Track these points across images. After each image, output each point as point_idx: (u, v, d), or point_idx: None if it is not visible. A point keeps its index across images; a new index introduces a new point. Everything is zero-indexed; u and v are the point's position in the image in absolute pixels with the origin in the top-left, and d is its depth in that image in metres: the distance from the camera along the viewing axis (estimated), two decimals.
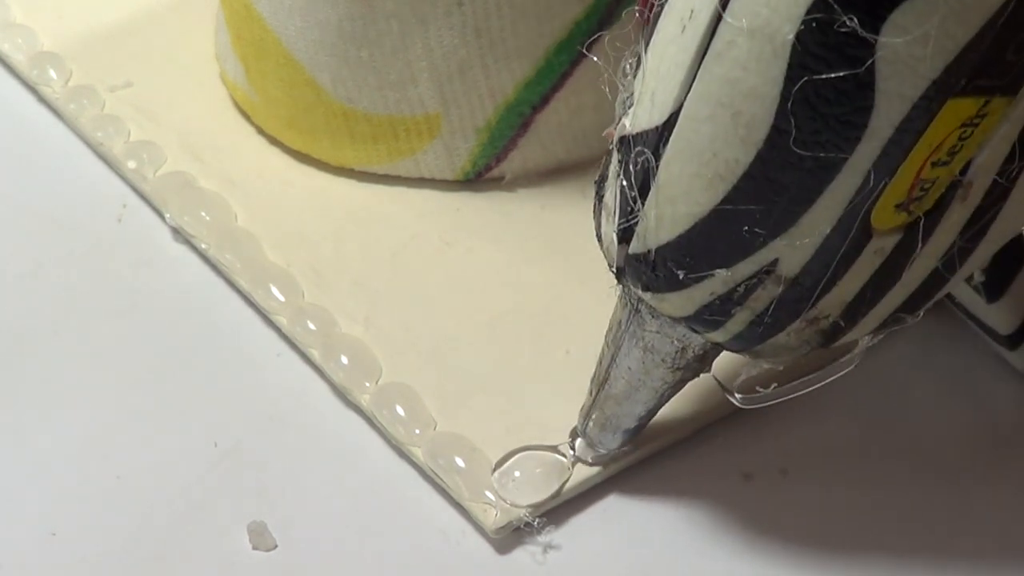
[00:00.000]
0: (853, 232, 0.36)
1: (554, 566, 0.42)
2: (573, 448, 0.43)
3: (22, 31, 0.57)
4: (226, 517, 0.43)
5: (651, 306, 0.39)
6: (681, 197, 0.37)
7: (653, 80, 0.37)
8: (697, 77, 0.36)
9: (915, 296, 0.39)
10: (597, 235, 0.40)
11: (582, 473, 0.43)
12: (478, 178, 0.51)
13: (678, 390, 0.42)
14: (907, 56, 0.34)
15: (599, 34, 0.50)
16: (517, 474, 0.43)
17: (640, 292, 0.39)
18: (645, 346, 0.40)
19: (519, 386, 0.46)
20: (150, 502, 0.43)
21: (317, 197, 0.51)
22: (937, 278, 0.39)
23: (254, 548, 0.42)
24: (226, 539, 0.42)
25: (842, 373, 0.41)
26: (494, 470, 0.43)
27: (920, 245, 0.37)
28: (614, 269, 0.40)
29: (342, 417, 0.45)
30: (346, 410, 0.45)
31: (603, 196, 0.40)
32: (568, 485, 0.43)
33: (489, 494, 0.43)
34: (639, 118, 0.38)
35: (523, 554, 0.42)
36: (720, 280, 0.37)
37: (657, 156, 0.37)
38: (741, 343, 0.39)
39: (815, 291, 0.37)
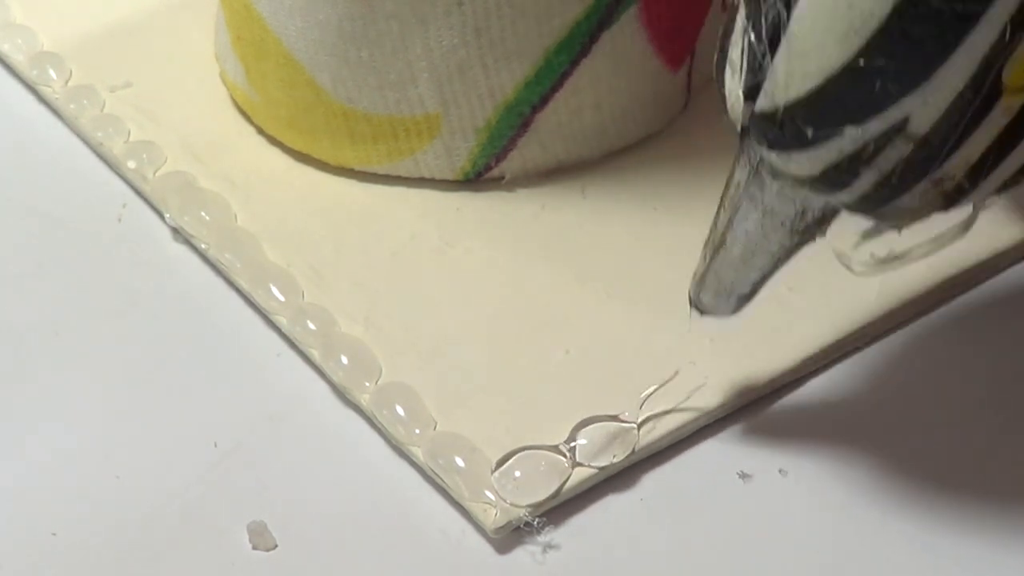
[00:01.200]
0: (985, 89, 0.36)
1: (554, 566, 0.42)
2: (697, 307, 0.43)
3: (22, 31, 0.57)
4: (226, 517, 0.43)
5: (773, 167, 0.39)
6: (813, 52, 0.37)
7: None
8: None
9: None
10: (720, 93, 0.40)
11: (582, 473, 0.43)
12: (478, 178, 0.51)
13: (793, 256, 0.41)
14: None
15: (599, 34, 0.50)
16: (517, 474, 0.43)
17: (765, 151, 0.39)
18: (764, 209, 0.40)
19: (519, 386, 0.46)
20: (150, 502, 0.43)
21: (317, 197, 0.51)
22: None
23: (254, 548, 0.42)
24: (226, 539, 0.42)
25: (956, 240, 0.41)
26: (494, 470, 0.43)
27: None
28: (738, 128, 0.39)
29: (342, 417, 0.45)
30: (346, 410, 0.45)
31: (728, 52, 0.39)
32: (568, 485, 0.43)
33: (489, 494, 0.43)
34: None
35: (523, 554, 0.42)
36: (849, 138, 0.37)
37: (789, 9, 0.37)
38: (866, 204, 0.39)
39: (943, 150, 0.37)
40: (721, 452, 0.44)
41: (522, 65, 0.50)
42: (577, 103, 0.51)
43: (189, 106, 0.54)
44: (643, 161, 0.52)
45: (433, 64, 0.49)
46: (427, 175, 0.51)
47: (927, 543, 0.42)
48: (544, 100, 0.50)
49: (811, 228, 0.40)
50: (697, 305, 0.43)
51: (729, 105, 0.39)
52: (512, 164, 0.51)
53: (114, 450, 0.44)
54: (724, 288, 0.42)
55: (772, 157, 0.39)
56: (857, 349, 0.47)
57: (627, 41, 0.50)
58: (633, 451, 0.44)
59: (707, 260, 0.42)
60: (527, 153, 0.51)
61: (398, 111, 0.50)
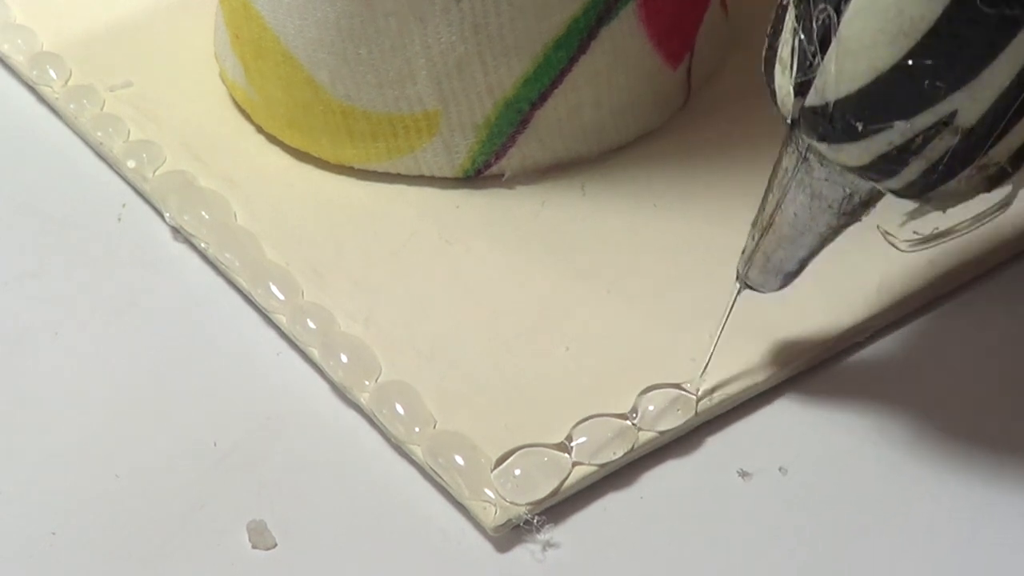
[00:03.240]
0: None
1: (553, 564, 0.42)
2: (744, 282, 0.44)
3: (22, 31, 0.57)
4: (226, 517, 0.43)
5: (822, 155, 0.41)
6: (863, 52, 0.38)
7: None
8: None
9: None
10: (769, 88, 0.41)
11: (581, 471, 0.43)
12: (477, 175, 0.51)
13: (838, 234, 0.43)
14: None
15: (598, 30, 0.50)
16: (517, 472, 0.43)
17: (815, 142, 0.40)
18: (812, 192, 0.42)
19: (519, 384, 0.46)
20: (150, 502, 0.43)
21: (317, 196, 0.51)
22: None
23: (254, 547, 0.42)
24: (226, 539, 0.42)
25: (996, 216, 0.42)
26: (494, 468, 0.43)
27: None
28: (788, 121, 0.41)
29: (342, 416, 0.45)
30: (346, 409, 0.45)
31: (777, 50, 0.41)
32: (568, 483, 0.43)
33: (489, 492, 0.43)
34: None
35: (523, 552, 0.42)
36: (898, 131, 0.39)
37: (839, 12, 0.38)
38: (913, 190, 0.40)
39: (988, 140, 0.39)
40: (721, 451, 0.44)
41: (521, 62, 0.50)
42: (576, 100, 0.51)
43: (189, 106, 0.54)
44: (642, 158, 0.52)
45: (432, 61, 0.49)
46: (427, 173, 0.51)
47: (927, 543, 0.42)
48: (543, 97, 0.50)
49: (857, 210, 0.42)
50: (745, 281, 0.44)
51: (779, 99, 0.41)
52: (512, 161, 0.51)
53: (114, 450, 0.44)
54: (772, 266, 0.43)
55: (822, 147, 0.40)
56: (857, 346, 0.47)
57: (626, 38, 0.50)
58: (633, 449, 0.44)
59: (755, 240, 0.43)
60: (527, 150, 0.51)
61: (397, 109, 0.50)
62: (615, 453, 0.43)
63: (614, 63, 0.50)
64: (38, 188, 0.53)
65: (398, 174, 0.52)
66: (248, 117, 0.54)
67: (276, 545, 0.42)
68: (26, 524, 0.43)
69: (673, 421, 0.44)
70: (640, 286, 0.48)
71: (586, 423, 0.44)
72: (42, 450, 0.44)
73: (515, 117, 0.50)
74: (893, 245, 0.43)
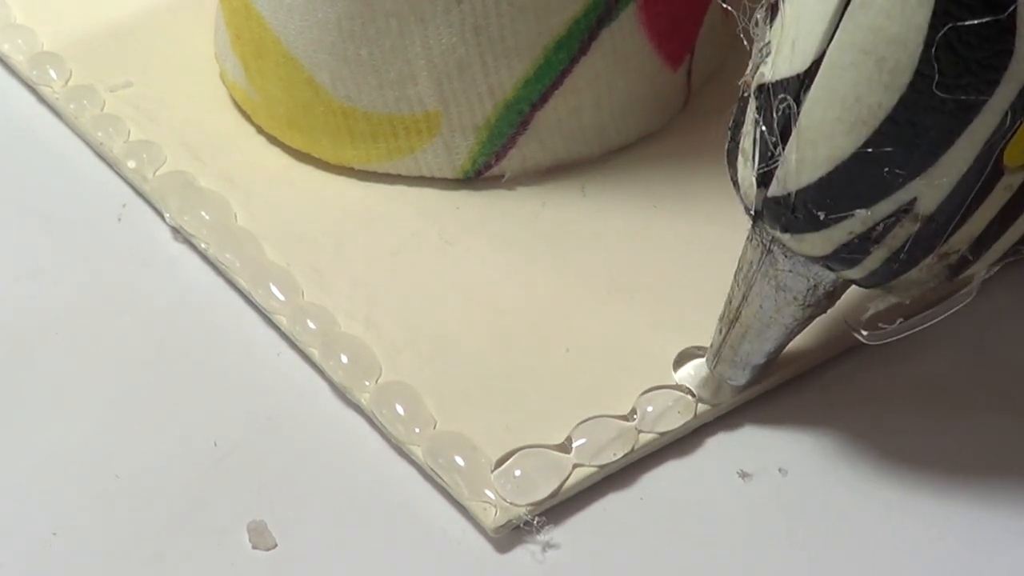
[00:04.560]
0: (988, 170, 0.38)
1: (553, 565, 0.42)
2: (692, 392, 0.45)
3: (22, 31, 0.57)
4: (226, 517, 0.43)
5: (785, 246, 0.41)
6: (823, 141, 0.38)
7: (793, 29, 0.39)
8: (840, 26, 0.38)
9: None
10: (733, 180, 0.42)
11: (582, 472, 0.43)
12: (478, 176, 0.51)
13: (805, 326, 0.43)
14: None
15: (598, 31, 0.50)
16: (517, 473, 0.43)
17: (779, 233, 0.41)
18: (777, 285, 0.42)
19: (519, 385, 0.46)
20: (150, 502, 0.43)
21: (317, 196, 0.51)
22: None
23: (254, 548, 0.42)
24: (226, 539, 0.42)
25: (960, 305, 0.43)
26: (494, 469, 0.43)
27: None
28: (751, 212, 0.41)
29: (342, 416, 0.45)
30: (346, 409, 0.45)
31: (739, 142, 0.41)
32: (568, 484, 0.43)
33: (489, 493, 0.43)
34: (779, 66, 0.39)
35: (523, 553, 0.42)
36: (859, 220, 0.39)
37: (799, 102, 0.39)
38: (875, 279, 0.41)
39: (948, 227, 0.39)
40: (721, 452, 0.44)
41: (521, 63, 0.50)
42: (576, 101, 0.51)
43: (189, 106, 0.54)
44: (643, 159, 0.52)
45: (432, 62, 0.49)
46: (427, 174, 0.51)
47: (927, 543, 0.42)
48: (544, 98, 0.50)
49: (822, 301, 0.42)
50: (714, 374, 0.45)
51: (743, 191, 0.41)
52: (512, 162, 0.51)
53: (114, 450, 0.44)
54: (740, 359, 0.44)
55: (785, 238, 0.41)
56: (857, 347, 0.47)
57: (626, 39, 0.50)
58: (633, 450, 0.44)
59: (722, 334, 0.44)
60: (527, 151, 0.51)
61: (397, 110, 0.50)
62: (615, 454, 0.43)
63: (614, 64, 0.50)
64: (38, 188, 0.53)
65: (398, 175, 0.52)
66: (248, 118, 0.54)
67: (276, 545, 0.42)
68: (26, 524, 0.43)
69: (673, 422, 0.44)
70: (640, 287, 0.48)
71: (586, 424, 0.44)
72: (42, 450, 0.44)
73: (515, 118, 0.50)
74: (858, 336, 0.43)
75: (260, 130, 0.53)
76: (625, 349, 0.46)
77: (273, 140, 0.53)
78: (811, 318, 0.43)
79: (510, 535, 0.42)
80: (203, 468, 0.44)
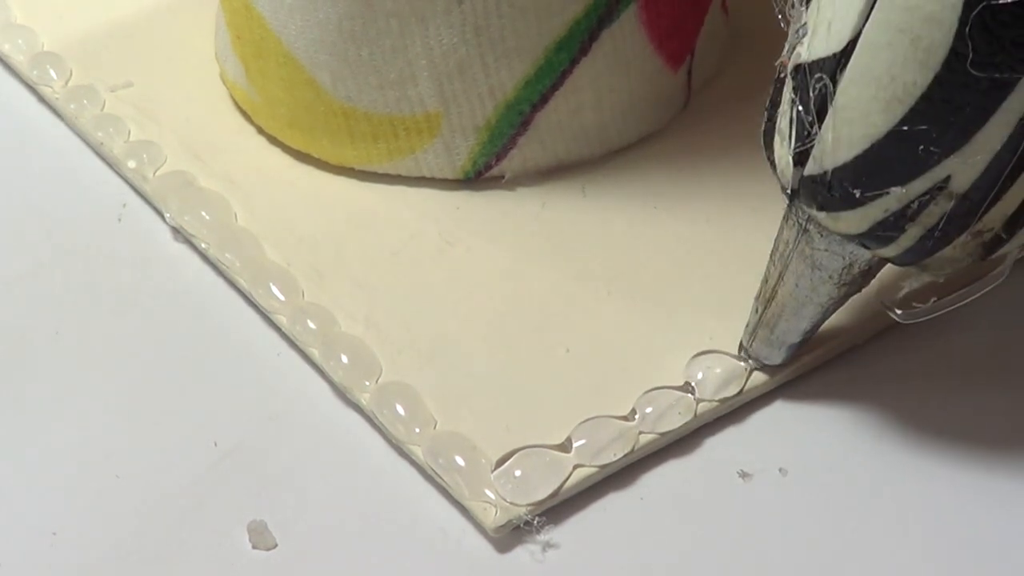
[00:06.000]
0: (1022, 148, 0.38)
1: (554, 565, 0.42)
2: (747, 358, 0.45)
3: (22, 31, 0.57)
4: (226, 517, 0.43)
5: (821, 225, 0.42)
6: (859, 120, 0.39)
7: (829, 10, 0.39)
8: (876, 6, 0.38)
9: None
10: (769, 159, 0.43)
11: (582, 472, 0.43)
12: (478, 177, 0.51)
13: (840, 305, 0.44)
14: None
15: (599, 32, 0.50)
16: (517, 473, 0.43)
17: (815, 212, 0.41)
18: (813, 264, 0.42)
19: (519, 385, 0.46)
20: (150, 502, 0.43)
21: (317, 197, 0.51)
22: None
23: (254, 548, 0.42)
24: (226, 539, 0.42)
25: (993, 285, 0.43)
26: (494, 469, 0.43)
27: None
28: (787, 191, 0.42)
29: (342, 416, 0.45)
30: (346, 409, 0.45)
31: (775, 122, 0.42)
32: (568, 484, 0.43)
33: (489, 493, 0.43)
34: (815, 47, 0.40)
35: (523, 553, 0.42)
36: (895, 197, 0.40)
37: (835, 82, 0.39)
38: (910, 257, 0.41)
39: (982, 205, 0.40)
40: (721, 452, 0.44)
41: (522, 64, 0.50)
42: (577, 102, 0.51)
43: (189, 106, 0.54)
44: (643, 160, 0.52)
45: (433, 63, 0.49)
46: (427, 174, 0.51)
47: (927, 543, 0.42)
48: (544, 99, 0.50)
49: (857, 280, 0.43)
50: (749, 354, 0.45)
51: (779, 170, 0.42)
52: (512, 163, 0.51)
53: (114, 450, 0.44)
54: (775, 338, 0.44)
55: (821, 216, 0.41)
56: (857, 347, 0.47)
57: (627, 40, 0.50)
58: (633, 450, 0.44)
59: (758, 313, 0.44)
60: (527, 152, 0.51)
61: (398, 110, 0.50)
62: (615, 454, 0.43)
63: (615, 65, 0.50)
64: (38, 188, 0.53)
65: (399, 175, 0.52)
66: (249, 118, 0.54)
67: (276, 545, 0.42)
68: (26, 524, 0.43)
69: (673, 422, 0.44)
70: (640, 287, 0.48)
71: (587, 424, 0.44)
72: (42, 450, 0.44)
73: (516, 119, 0.50)
74: (892, 315, 0.44)
75: (260, 130, 0.53)
76: (625, 349, 0.46)
77: (273, 140, 0.53)
78: (846, 297, 0.43)
79: (510, 535, 0.42)
80: (203, 468, 0.44)
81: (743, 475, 0.44)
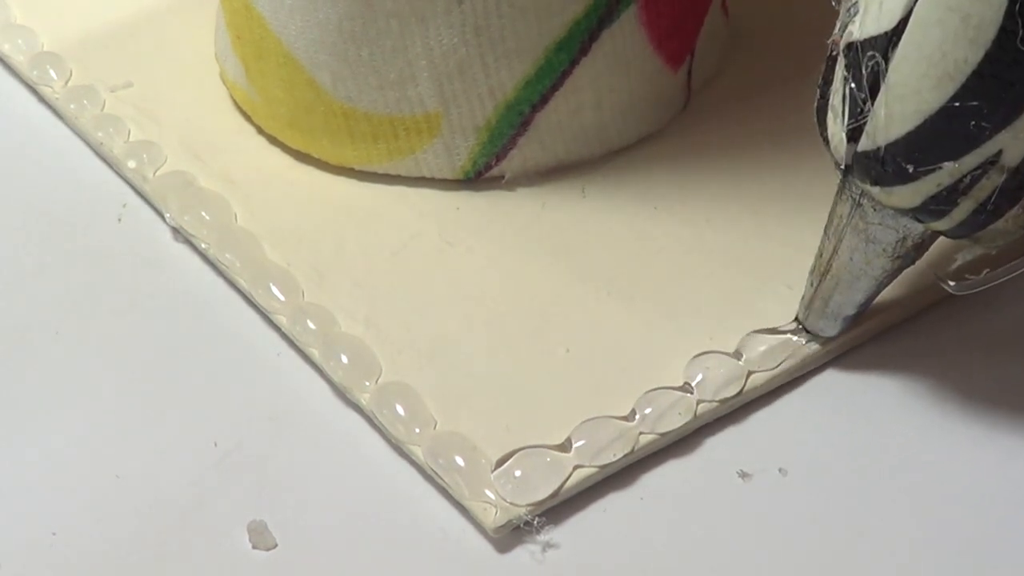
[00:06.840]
0: None
1: (554, 565, 0.42)
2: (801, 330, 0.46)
3: (22, 31, 0.57)
4: (226, 517, 0.43)
5: (875, 199, 0.42)
6: (911, 96, 0.40)
7: None
8: None
9: None
10: (822, 136, 0.43)
11: (582, 472, 0.43)
12: (478, 177, 0.51)
13: (894, 278, 0.45)
14: None
15: (599, 32, 0.50)
16: (517, 473, 0.43)
17: (868, 187, 0.42)
18: (867, 237, 0.43)
19: (519, 385, 0.46)
20: (150, 502, 0.43)
21: (317, 196, 0.51)
22: None
23: (254, 548, 0.42)
24: (226, 539, 0.42)
25: None
26: (494, 469, 0.43)
27: None
28: (841, 167, 0.42)
29: (342, 416, 0.45)
30: (346, 409, 0.45)
31: (828, 99, 0.43)
32: (568, 484, 0.43)
33: (489, 493, 0.43)
34: (867, 25, 0.41)
35: (523, 553, 0.42)
36: (947, 172, 0.40)
37: (887, 59, 0.40)
38: (963, 230, 0.42)
39: None
40: (721, 452, 0.44)
41: (522, 64, 0.50)
42: (577, 102, 0.51)
43: (189, 106, 0.54)
44: (643, 160, 0.52)
45: (433, 63, 0.49)
46: (427, 174, 0.51)
47: (927, 543, 0.42)
48: (544, 99, 0.50)
49: (910, 253, 0.44)
50: (806, 327, 0.46)
51: (833, 146, 0.43)
52: (512, 163, 0.51)
53: (114, 450, 0.44)
54: (831, 311, 0.45)
55: (875, 191, 0.42)
56: (857, 348, 0.47)
57: (627, 40, 0.50)
58: (633, 450, 0.44)
59: (814, 286, 0.45)
60: (527, 152, 0.51)
61: (398, 110, 0.50)
62: (615, 455, 0.43)
63: (615, 65, 0.50)
64: (38, 188, 0.53)
65: (399, 175, 0.52)
66: (249, 118, 0.54)
67: (276, 545, 0.42)
68: (26, 524, 0.43)
69: (673, 422, 0.44)
70: (640, 287, 0.48)
71: (587, 424, 0.44)
72: (42, 450, 0.44)
73: (516, 119, 0.50)
74: (945, 287, 0.45)
75: (260, 130, 0.53)
76: (625, 349, 0.46)
77: (273, 140, 0.53)
78: (900, 270, 0.44)
79: (510, 535, 0.42)
80: (203, 468, 0.44)
81: (743, 475, 0.44)
